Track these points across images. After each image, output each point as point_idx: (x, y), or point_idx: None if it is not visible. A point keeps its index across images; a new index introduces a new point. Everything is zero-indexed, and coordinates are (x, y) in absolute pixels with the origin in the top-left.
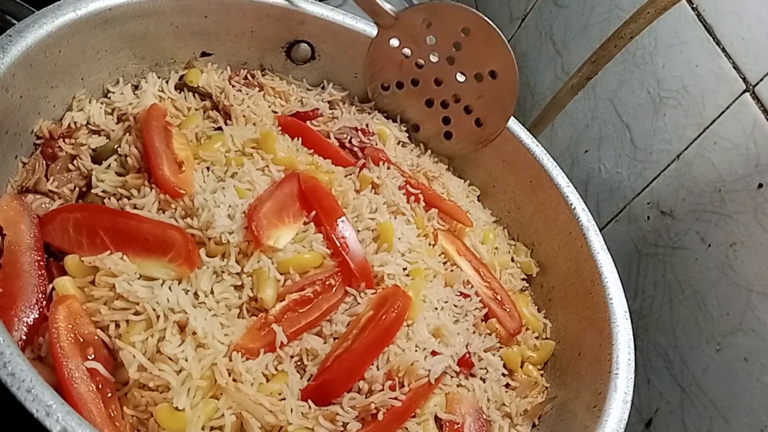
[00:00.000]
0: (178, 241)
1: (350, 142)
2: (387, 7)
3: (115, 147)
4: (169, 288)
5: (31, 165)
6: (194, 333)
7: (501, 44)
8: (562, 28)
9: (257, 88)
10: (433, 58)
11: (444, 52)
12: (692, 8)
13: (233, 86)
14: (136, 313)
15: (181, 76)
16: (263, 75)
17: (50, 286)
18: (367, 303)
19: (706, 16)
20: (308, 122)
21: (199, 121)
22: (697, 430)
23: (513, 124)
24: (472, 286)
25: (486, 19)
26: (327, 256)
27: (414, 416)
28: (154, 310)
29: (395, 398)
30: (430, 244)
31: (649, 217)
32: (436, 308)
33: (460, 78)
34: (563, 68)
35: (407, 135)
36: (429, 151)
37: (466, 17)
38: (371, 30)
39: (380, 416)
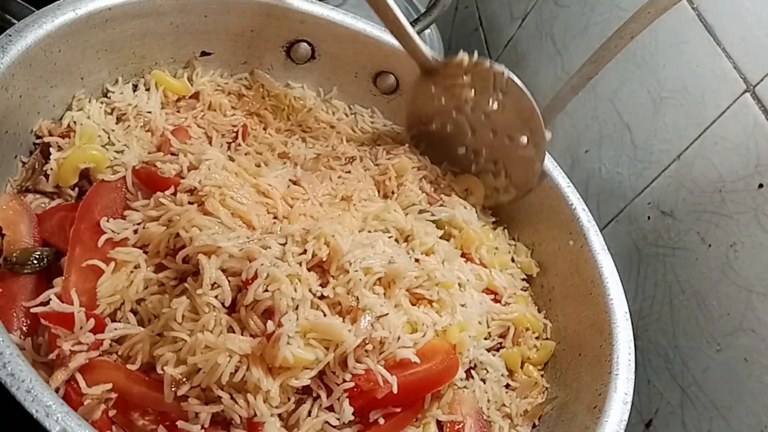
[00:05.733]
0: None
1: None
2: (430, 54)
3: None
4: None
5: (31, 164)
6: None
7: (536, 117)
8: (562, 28)
9: None
10: (467, 110)
11: (479, 107)
12: (693, 8)
13: None
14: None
15: None
16: None
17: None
18: None
19: (706, 16)
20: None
21: None
22: (697, 430)
23: None
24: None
25: (525, 91)
26: None
27: (416, 420)
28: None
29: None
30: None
31: (649, 218)
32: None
33: (491, 135)
34: (564, 68)
35: None
36: None
37: (507, 83)
38: (371, 29)
39: (380, 420)
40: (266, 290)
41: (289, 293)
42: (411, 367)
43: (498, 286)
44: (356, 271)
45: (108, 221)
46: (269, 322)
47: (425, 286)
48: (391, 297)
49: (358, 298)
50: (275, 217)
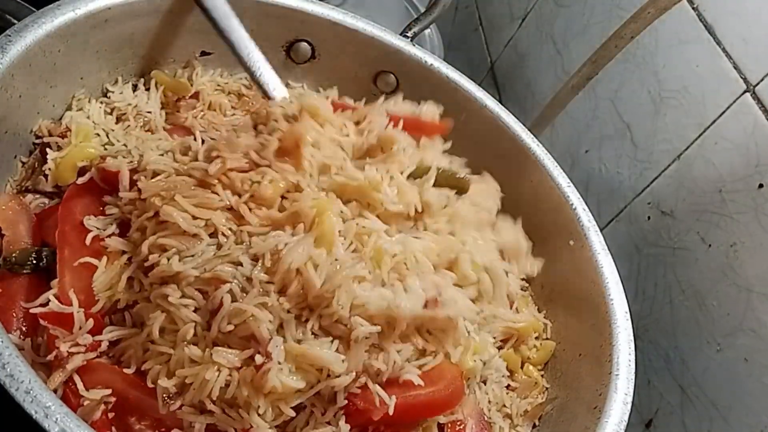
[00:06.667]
0: None
1: None
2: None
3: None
4: None
5: (30, 164)
6: None
7: None
8: (562, 28)
9: None
10: None
11: None
12: (693, 8)
13: None
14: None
15: None
16: None
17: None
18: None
19: (706, 16)
20: None
21: None
22: (698, 430)
23: (513, 124)
24: None
25: None
26: None
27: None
28: None
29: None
30: None
31: (649, 218)
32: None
33: None
34: (564, 68)
35: None
36: None
37: None
38: (371, 29)
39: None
40: (230, 324)
41: (264, 318)
42: (413, 388)
43: (512, 292)
44: (341, 306)
45: (90, 219)
46: (258, 356)
47: (438, 333)
48: (389, 337)
49: (348, 327)
50: (229, 208)
